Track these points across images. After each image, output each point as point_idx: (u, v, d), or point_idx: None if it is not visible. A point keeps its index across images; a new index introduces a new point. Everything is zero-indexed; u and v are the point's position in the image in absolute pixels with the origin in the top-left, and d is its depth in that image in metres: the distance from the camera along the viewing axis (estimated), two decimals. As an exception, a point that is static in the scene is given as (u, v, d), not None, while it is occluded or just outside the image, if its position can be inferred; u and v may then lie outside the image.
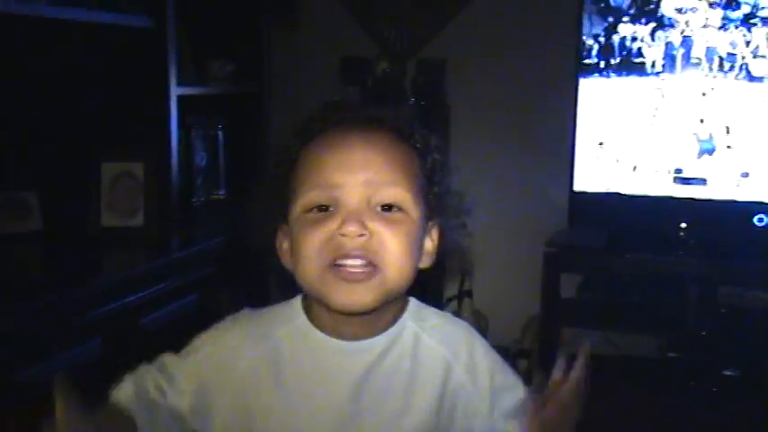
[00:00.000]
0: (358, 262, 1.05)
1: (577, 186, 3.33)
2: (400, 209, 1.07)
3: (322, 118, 1.13)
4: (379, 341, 1.12)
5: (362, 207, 1.05)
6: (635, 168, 3.25)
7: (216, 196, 2.92)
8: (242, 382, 1.13)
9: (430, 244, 1.15)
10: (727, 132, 3.12)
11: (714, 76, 3.12)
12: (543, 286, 3.28)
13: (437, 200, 1.15)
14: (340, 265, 1.05)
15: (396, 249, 1.06)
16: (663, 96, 3.19)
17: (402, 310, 1.15)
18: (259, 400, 1.12)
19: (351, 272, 1.05)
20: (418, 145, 1.14)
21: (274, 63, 3.59)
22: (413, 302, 1.17)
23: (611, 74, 3.24)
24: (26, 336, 1.83)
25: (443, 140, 1.23)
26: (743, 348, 3.05)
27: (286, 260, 1.13)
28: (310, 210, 1.07)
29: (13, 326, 1.81)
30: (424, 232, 1.13)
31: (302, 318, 1.14)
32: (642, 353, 3.36)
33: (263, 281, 3.25)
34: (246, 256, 3.13)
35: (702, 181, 3.16)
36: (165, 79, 2.56)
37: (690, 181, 3.18)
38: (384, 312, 1.12)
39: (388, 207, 1.07)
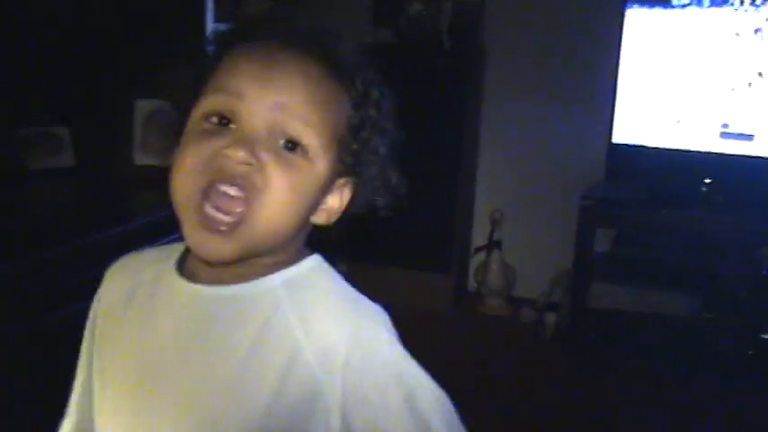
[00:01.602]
0: (231, 191, 0.89)
1: (616, 138, 3.26)
2: (305, 153, 0.92)
3: (256, 25, 1.00)
4: (234, 291, 0.96)
5: (262, 133, 0.90)
6: (678, 122, 3.17)
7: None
8: (96, 312, 1.08)
9: (337, 202, 0.99)
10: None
11: None
12: (577, 240, 3.23)
13: (358, 154, 0.97)
14: (210, 198, 0.89)
15: (280, 194, 0.90)
16: (715, 41, 3.10)
17: (281, 265, 0.97)
18: (102, 334, 1.06)
19: (214, 223, 0.89)
20: (353, 92, 0.96)
21: (309, 2, 3.51)
22: (308, 263, 0.99)
23: (657, 7, 3.14)
24: (56, 277, 1.79)
25: (393, 99, 1.00)
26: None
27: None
28: (209, 117, 0.92)
29: (45, 266, 1.77)
30: (329, 187, 0.97)
31: (174, 259, 1.01)
32: (676, 312, 3.31)
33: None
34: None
35: (749, 137, 3.08)
36: (201, 15, 2.48)
37: (735, 136, 3.10)
38: (252, 262, 0.96)
39: (291, 145, 0.91)
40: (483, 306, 3.70)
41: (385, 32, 3.66)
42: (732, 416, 2.80)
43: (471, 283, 3.81)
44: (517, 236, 3.71)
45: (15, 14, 2.36)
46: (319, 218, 0.98)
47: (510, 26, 3.63)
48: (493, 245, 3.70)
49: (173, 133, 1.00)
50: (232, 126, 0.90)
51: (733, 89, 3.08)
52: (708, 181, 3.16)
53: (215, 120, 0.91)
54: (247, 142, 0.89)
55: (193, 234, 0.91)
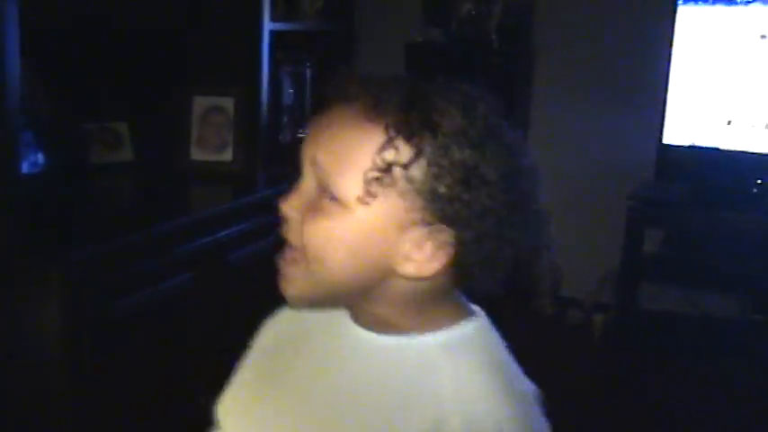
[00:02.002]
0: (288, 246, 0.97)
1: (667, 139, 3.25)
2: (337, 200, 0.91)
3: (336, 81, 0.98)
4: (382, 341, 0.98)
5: (310, 186, 0.95)
6: (729, 122, 3.16)
7: (302, 134, 2.89)
8: (266, 343, 1.16)
9: (421, 252, 0.93)
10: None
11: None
12: (625, 239, 3.22)
13: (443, 206, 0.90)
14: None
15: (316, 240, 0.93)
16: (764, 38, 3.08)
17: (435, 324, 0.97)
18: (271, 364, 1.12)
19: (279, 261, 0.99)
20: (405, 138, 0.89)
21: (362, 1, 3.54)
22: (467, 326, 0.98)
23: (708, 4, 3.12)
24: (119, 267, 1.84)
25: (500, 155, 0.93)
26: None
27: None
28: None
29: (106, 257, 1.82)
30: (400, 236, 0.92)
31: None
32: (725, 313, 3.29)
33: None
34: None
35: (801, 139, 3.06)
36: (257, 14, 2.53)
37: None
38: (381, 310, 0.98)
39: (333, 195, 0.92)
40: (530, 306, 3.70)
41: (435, 32, 3.67)
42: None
43: (518, 283, 3.82)
44: (565, 235, 3.69)
45: (78, 12, 2.42)
46: (407, 267, 0.93)
47: (559, 26, 3.63)
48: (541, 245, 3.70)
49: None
50: None
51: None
52: (759, 182, 3.14)
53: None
54: (292, 197, 0.96)
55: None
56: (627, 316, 3.29)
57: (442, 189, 0.90)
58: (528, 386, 1.01)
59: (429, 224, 0.92)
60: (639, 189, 3.27)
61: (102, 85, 2.49)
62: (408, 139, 0.89)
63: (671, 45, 3.17)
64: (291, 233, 0.96)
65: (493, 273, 0.97)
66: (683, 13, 3.16)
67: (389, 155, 0.89)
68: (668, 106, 3.21)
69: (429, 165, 0.89)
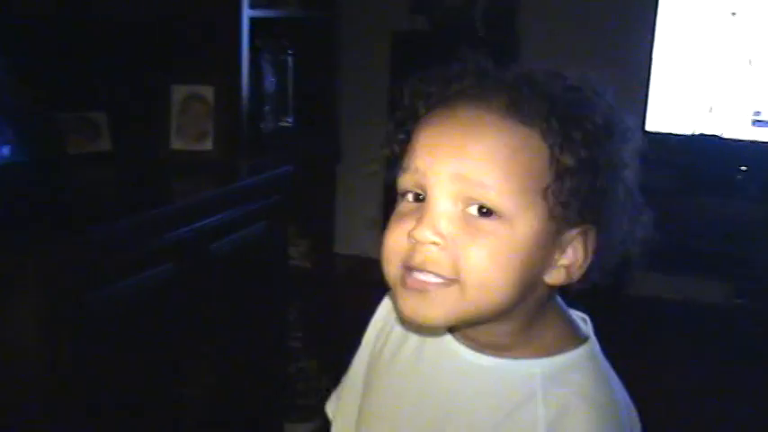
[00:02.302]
0: (428, 278, 0.87)
1: (650, 126, 3.25)
2: (500, 216, 0.85)
3: (442, 85, 0.93)
4: (486, 363, 0.95)
5: (448, 207, 0.86)
6: (711, 110, 3.16)
7: (284, 123, 2.88)
8: (380, 346, 1.09)
9: (574, 256, 0.91)
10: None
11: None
12: (610, 227, 3.22)
13: (586, 201, 0.87)
14: (410, 271, 0.89)
15: (480, 265, 0.85)
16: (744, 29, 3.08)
17: (544, 349, 0.94)
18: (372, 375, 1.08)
19: (417, 284, 0.88)
20: (551, 134, 0.86)
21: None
22: (575, 354, 0.94)
23: None
24: (97, 260, 1.82)
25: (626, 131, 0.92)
26: (816, 298, 2.99)
27: None
28: (405, 195, 0.91)
29: (85, 249, 1.80)
30: (551, 244, 0.89)
31: None
32: (709, 299, 3.30)
33: (330, 210, 3.25)
34: (312, 187, 3.15)
35: (783, 125, 3.07)
36: (237, 1, 2.50)
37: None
38: (512, 335, 0.94)
39: (486, 210, 0.86)
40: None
41: (420, 20, 3.66)
42: (765, 399, 2.79)
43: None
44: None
45: (55, 3, 2.40)
46: (557, 277, 0.91)
47: (544, 14, 3.63)
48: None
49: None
50: (423, 200, 0.89)
51: (764, 76, 3.06)
52: (744, 168, 3.14)
53: (410, 197, 0.91)
54: (430, 219, 0.86)
55: (403, 300, 0.90)
56: (613, 302, 3.29)
57: (589, 186, 0.87)
58: (630, 414, 0.99)
59: (577, 225, 0.89)
60: (624, 176, 3.27)
61: (79, 74, 2.47)
62: (567, 140, 0.86)
63: (653, 34, 3.17)
64: (437, 262, 0.86)
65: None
66: (665, 3, 3.16)
67: (563, 159, 0.86)
68: (651, 94, 3.21)
69: (575, 164, 0.86)
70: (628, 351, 3.12)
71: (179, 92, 2.52)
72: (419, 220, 0.86)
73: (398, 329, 1.06)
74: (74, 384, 1.75)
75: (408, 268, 0.88)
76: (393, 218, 0.92)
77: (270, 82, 2.84)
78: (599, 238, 0.91)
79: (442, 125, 0.88)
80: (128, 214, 1.97)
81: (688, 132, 3.21)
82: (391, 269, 0.90)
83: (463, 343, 0.97)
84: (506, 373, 0.93)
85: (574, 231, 0.90)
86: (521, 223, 0.86)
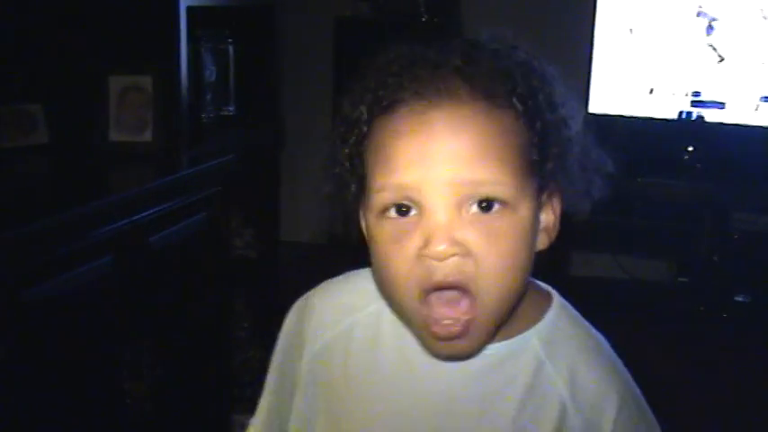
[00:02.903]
0: (451, 296, 0.83)
1: (592, 108, 3.28)
2: (504, 206, 0.83)
3: (391, 84, 0.86)
4: (490, 352, 0.91)
5: (451, 214, 0.82)
6: (651, 91, 3.20)
7: (225, 112, 2.86)
8: (319, 363, 1.00)
9: (548, 217, 0.91)
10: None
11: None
12: (554, 209, 3.26)
13: (555, 162, 0.88)
14: (430, 305, 0.84)
15: (499, 270, 0.83)
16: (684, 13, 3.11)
17: (531, 320, 0.93)
18: (332, 394, 0.99)
19: (445, 332, 0.84)
20: (522, 107, 0.86)
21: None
22: (552, 313, 0.95)
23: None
24: (33, 253, 1.80)
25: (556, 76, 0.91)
26: (755, 275, 3.04)
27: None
28: (384, 213, 0.85)
29: (19, 243, 1.77)
30: (539, 213, 0.89)
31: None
32: (652, 277, 3.36)
33: (274, 199, 3.23)
34: (255, 176, 3.13)
35: (721, 104, 3.11)
36: (174, -10, 2.48)
37: (707, 104, 3.13)
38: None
39: (486, 203, 0.83)
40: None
41: (363, 6, 3.65)
42: (708, 377, 2.84)
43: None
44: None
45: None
46: (541, 243, 0.91)
47: (486, -2, 3.64)
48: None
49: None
50: (413, 213, 0.83)
51: (703, 58, 3.10)
52: (690, 149, 3.18)
53: (393, 213, 0.85)
54: (440, 232, 0.81)
55: (432, 344, 0.87)
56: (558, 283, 3.32)
57: (555, 149, 0.88)
58: (609, 347, 0.99)
59: (547, 187, 0.89)
60: (567, 158, 3.30)
61: (14, 65, 2.43)
62: (535, 109, 0.86)
63: (594, 16, 3.20)
64: (463, 271, 0.82)
65: None
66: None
67: (538, 128, 0.86)
68: (593, 76, 3.24)
69: (540, 134, 0.87)
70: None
71: (117, 82, 2.48)
72: (428, 236, 0.81)
73: (359, 337, 0.98)
74: (11, 382, 1.72)
75: (428, 291, 0.83)
76: (385, 241, 0.85)
77: (210, 71, 2.81)
78: (562, 198, 0.92)
79: (419, 130, 0.83)
80: (65, 207, 1.94)
81: (631, 114, 3.24)
82: (408, 301, 0.85)
83: None
84: (510, 355, 0.92)
85: (545, 194, 0.90)
86: (522, 206, 0.84)
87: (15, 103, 2.41)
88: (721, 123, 3.11)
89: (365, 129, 0.88)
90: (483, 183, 0.82)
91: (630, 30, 3.17)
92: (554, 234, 0.92)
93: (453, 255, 0.81)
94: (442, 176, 0.81)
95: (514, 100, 0.85)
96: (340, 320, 0.99)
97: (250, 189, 2.99)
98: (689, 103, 3.15)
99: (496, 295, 0.84)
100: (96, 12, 2.50)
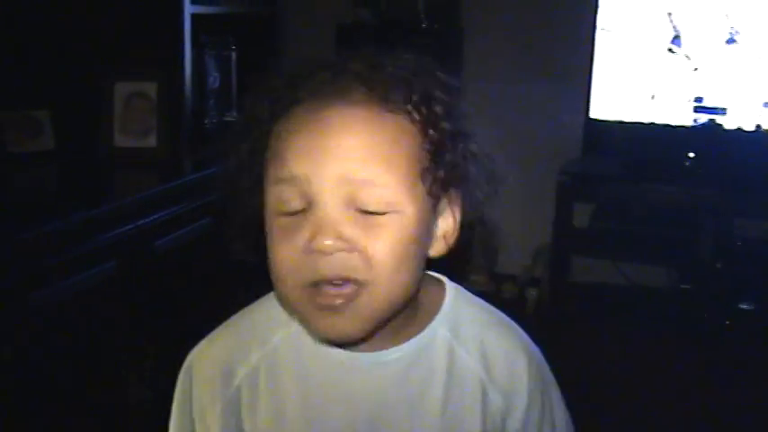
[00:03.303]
0: (337, 290, 0.85)
1: (593, 114, 3.29)
2: (388, 210, 0.85)
3: (293, 86, 0.89)
4: (402, 353, 0.94)
5: (338, 210, 0.84)
6: (653, 97, 3.20)
7: (228, 118, 2.87)
8: (233, 402, 0.98)
9: (447, 224, 0.94)
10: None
11: None
12: (555, 215, 3.27)
13: (452, 170, 0.90)
14: (317, 295, 0.86)
15: (385, 261, 0.85)
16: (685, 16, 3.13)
17: (433, 311, 0.97)
18: (256, 424, 0.97)
19: (328, 300, 0.85)
20: (419, 116, 0.88)
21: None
22: (449, 299, 0.98)
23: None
24: (40, 258, 1.81)
25: (455, 83, 0.94)
26: (759, 282, 3.04)
27: None
28: (277, 208, 0.87)
29: (27, 247, 1.78)
30: (433, 217, 0.91)
31: (296, 324, 0.97)
32: (654, 284, 3.36)
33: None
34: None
35: (722, 111, 3.11)
36: (178, -4, 2.50)
37: (709, 110, 3.13)
38: (402, 318, 0.93)
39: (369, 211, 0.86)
40: (466, 282, 3.72)
41: (364, 13, 3.66)
42: (710, 385, 2.84)
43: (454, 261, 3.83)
44: (498, 212, 3.73)
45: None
46: (438, 248, 0.94)
47: (487, 4, 3.65)
48: (474, 222, 3.72)
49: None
50: (302, 210, 0.85)
51: (705, 62, 3.11)
52: (692, 155, 3.19)
53: (285, 209, 0.86)
54: (328, 226, 0.83)
55: (315, 320, 0.87)
56: (559, 289, 3.34)
57: (450, 157, 0.90)
58: (502, 314, 1.04)
59: (445, 195, 0.92)
60: (569, 164, 3.31)
61: (21, 72, 2.45)
62: (431, 117, 0.89)
63: (595, 21, 3.21)
64: (348, 266, 0.84)
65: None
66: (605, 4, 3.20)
67: (432, 137, 0.89)
68: (594, 81, 3.25)
69: (436, 142, 0.89)
70: (575, 337, 3.17)
71: (122, 89, 2.51)
72: (315, 230, 0.84)
73: (275, 372, 0.98)
74: (15, 385, 1.73)
75: (316, 284, 0.85)
76: (274, 235, 0.87)
77: (213, 77, 2.83)
78: (463, 203, 0.94)
79: (312, 127, 0.85)
80: (71, 212, 1.95)
81: (632, 120, 3.25)
82: (292, 291, 0.87)
83: (361, 350, 0.94)
84: (424, 349, 0.95)
85: (444, 201, 0.92)
86: (409, 209, 0.86)
87: (22, 109, 2.43)
88: (723, 129, 3.12)
89: (265, 129, 0.91)
90: (370, 184, 0.84)
91: (631, 34, 3.18)
92: (452, 240, 0.94)
93: (340, 250, 0.83)
94: (332, 171, 0.84)
95: (409, 107, 0.88)
96: (250, 356, 0.98)
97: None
98: (691, 109, 3.15)
99: (383, 290, 0.86)
100: (102, 19, 2.52)
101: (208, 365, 1.01)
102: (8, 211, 1.99)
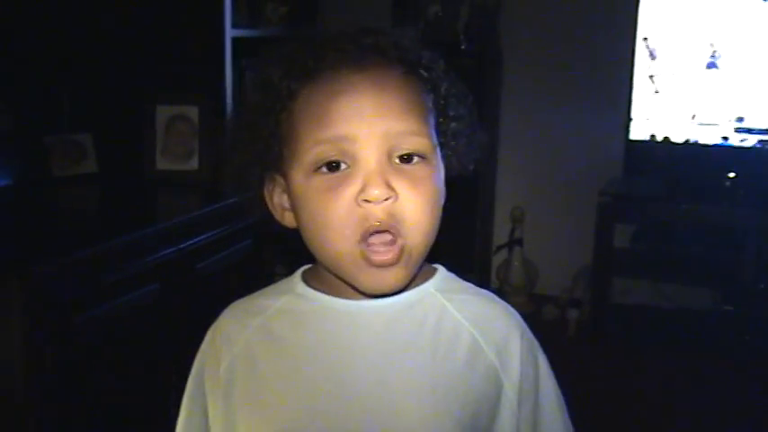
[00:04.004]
0: (387, 238, 0.91)
1: (634, 135, 3.28)
2: (422, 158, 0.94)
3: (317, 54, 0.95)
4: (396, 301, 0.98)
5: (382, 163, 0.91)
6: (693, 117, 3.19)
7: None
8: (239, 363, 1.02)
9: (443, 167, 1.01)
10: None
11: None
12: (596, 235, 3.25)
13: (449, 126, 1.01)
14: (368, 244, 0.91)
15: (423, 212, 0.93)
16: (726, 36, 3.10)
17: (426, 276, 1.02)
18: (256, 382, 1.00)
19: (382, 258, 0.92)
20: (428, 75, 0.98)
21: (327, 5, 3.55)
22: (441, 272, 1.05)
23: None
24: (84, 280, 1.83)
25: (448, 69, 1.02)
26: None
27: (282, 216, 1.01)
28: (317, 169, 0.92)
29: (72, 269, 1.81)
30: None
31: (301, 285, 1.02)
32: (696, 305, 3.32)
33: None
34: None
35: (764, 131, 3.09)
36: (220, 21, 2.52)
37: (751, 130, 3.11)
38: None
39: (406, 157, 0.93)
40: (505, 304, 3.70)
41: (404, 34, 3.68)
42: (754, 407, 2.80)
43: (494, 281, 3.83)
44: (538, 233, 3.73)
45: (39, 25, 2.41)
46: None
47: (526, 26, 3.65)
48: (514, 242, 3.72)
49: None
50: (344, 167, 0.91)
51: (748, 83, 3.09)
52: (732, 175, 3.16)
53: (325, 169, 0.92)
54: (377, 177, 0.90)
55: (366, 276, 0.93)
56: (600, 311, 3.31)
57: (452, 113, 1.00)
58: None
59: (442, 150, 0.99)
60: (609, 185, 3.30)
61: (65, 97, 2.49)
62: (436, 79, 0.99)
63: (634, 42, 3.20)
64: (396, 215, 0.91)
65: None
66: (645, 7, 3.19)
67: (438, 94, 0.99)
68: (633, 104, 3.24)
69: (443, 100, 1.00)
70: (616, 359, 3.15)
71: (164, 112, 2.54)
72: (365, 182, 0.90)
73: (275, 326, 1.01)
74: (60, 406, 1.75)
75: (364, 236, 0.91)
76: (319, 193, 0.92)
77: (254, 100, 2.85)
78: (447, 156, 1.01)
79: (348, 90, 0.92)
80: (114, 235, 1.97)
81: (673, 140, 3.23)
82: (346, 243, 0.92)
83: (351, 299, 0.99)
84: (416, 301, 1.00)
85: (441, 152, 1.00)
86: (434, 159, 0.96)
87: (66, 133, 2.46)
88: (764, 149, 3.09)
89: (288, 96, 0.96)
90: (410, 135, 0.93)
91: (671, 55, 3.17)
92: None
93: (388, 198, 0.90)
94: (375, 128, 0.91)
95: (421, 69, 0.98)
96: (249, 322, 1.03)
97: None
98: (732, 129, 3.13)
99: (420, 235, 0.94)
100: (143, 44, 2.56)
101: (234, 315, 1.07)
102: (52, 234, 2.02)
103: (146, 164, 2.52)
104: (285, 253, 2.97)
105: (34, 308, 1.68)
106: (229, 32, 2.55)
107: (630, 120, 3.26)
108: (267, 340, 1.01)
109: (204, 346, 1.09)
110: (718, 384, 2.93)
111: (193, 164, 2.51)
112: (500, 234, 3.82)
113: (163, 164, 2.52)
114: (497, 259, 3.83)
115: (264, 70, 0.99)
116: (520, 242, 3.71)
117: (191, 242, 2.18)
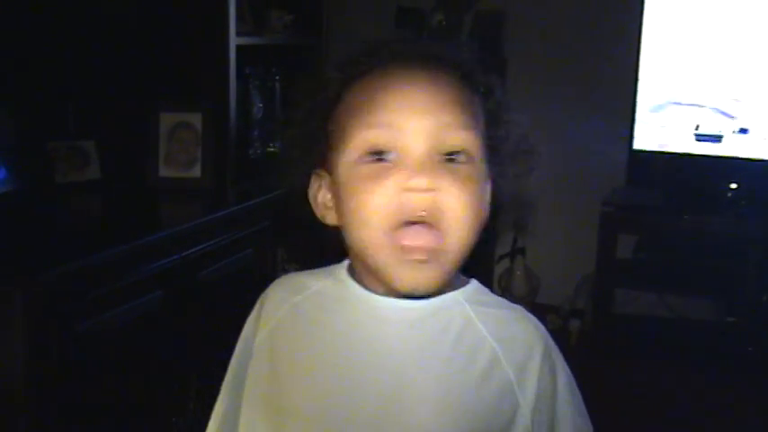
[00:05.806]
0: (424, 230, 0.91)
1: (637, 145, 3.28)
2: (468, 156, 0.94)
3: (373, 52, 0.98)
4: (424, 305, 0.97)
5: (429, 156, 0.91)
6: (697, 127, 3.18)
7: (272, 148, 2.89)
8: (271, 337, 1.04)
9: (486, 191, 0.99)
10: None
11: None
12: (599, 246, 3.25)
13: (496, 146, 1.00)
14: (405, 232, 0.91)
15: (464, 208, 0.91)
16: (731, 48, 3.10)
17: (458, 286, 1.01)
18: (286, 354, 1.02)
19: (417, 256, 0.91)
20: (479, 84, 0.99)
21: (332, 13, 3.55)
22: (473, 283, 1.03)
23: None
24: (86, 288, 1.83)
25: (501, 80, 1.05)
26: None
27: (324, 214, 1.01)
28: (364, 156, 0.93)
29: (73, 277, 1.80)
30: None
31: (344, 272, 1.02)
32: (699, 316, 3.32)
33: (320, 236, 3.25)
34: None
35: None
36: (224, 29, 2.52)
37: (755, 142, 3.11)
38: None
39: (452, 155, 0.93)
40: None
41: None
42: (756, 419, 2.80)
43: (495, 291, 3.81)
44: (541, 243, 3.72)
45: (43, 31, 2.41)
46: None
47: (530, 35, 3.65)
48: (516, 252, 3.71)
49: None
50: (390, 158, 0.92)
51: (752, 93, 3.09)
52: (734, 186, 3.16)
53: (371, 158, 0.93)
54: (424, 168, 0.90)
55: (399, 271, 0.93)
56: (602, 321, 3.31)
57: (499, 130, 1.01)
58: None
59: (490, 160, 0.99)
60: (612, 195, 3.29)
61: (67, 103, 2.48)
62: (487, 91, 1.00)
63: (638, 53, 3.20)
64: (435, 208, 0.91)
65: None
66: (650, 18, 3.19)
67: (488, 105, 1.00)
68: (637, 114, 3.24)
69: (493, 111, 1.00)
70: (618, 369, 3.14)
71: (167, 119, 2.53)
72: (412, 172, 0.90)
73: (307, 307, 1.03)
74: (60, 414, 1.75)
75: (405, 223, 0.91)
76: (360, 181, 0.93)
77: (258, 108, 2.85)
78: (497, 177, 1.00)
79: (403, 84, 0.94)
80: (116, 242, 1.97)
81: (674, 151, 3.23)
82: (375, 232, 0.92)
83: (385, 294, 0.98)
84: (442, 307, 0.98)
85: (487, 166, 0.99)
86: (482, 165, 0.96)
87: (69, 140, 2.46)
88: (766, 160, 3.09)
89: (338, 92, 0.99)
90: (457, 130, 0.93)
91: (675, 65, 3.16)
92: (488, 209, 0.99)
93: (430, 189, 0.90)
94: (424, 121, 0.92)
95: (474, 76, 0.99)
96: (289, 298, 1.04)
97: (297, 225, 3.01)
98: (735, 140, 3.12)
99: (459, 235, 0.92)
100: (147, 51, 2.56)
101: (280, 289, 1.07)
102: (55, 241, 2.01)
103: (149, 171, 2.52)
104: (289, 261, 2.97)
105: (36, 315, 1.68)
106: (234, 40, 2.55)
107: (634, 130, 3.25)
108: (298, 320, 1.02)
109: (250, 320, 1.10)
110: (720, 395, 2.93)
111: (196, 171, 2.51)
112: (503, 243, 3.81)
113: (166, 171, 2.52)
114: (499, 268, 3.82)
115: (319, 71, 1.02)
116: (522, 251, 3.71)
117: (193, 250, 2.17)
